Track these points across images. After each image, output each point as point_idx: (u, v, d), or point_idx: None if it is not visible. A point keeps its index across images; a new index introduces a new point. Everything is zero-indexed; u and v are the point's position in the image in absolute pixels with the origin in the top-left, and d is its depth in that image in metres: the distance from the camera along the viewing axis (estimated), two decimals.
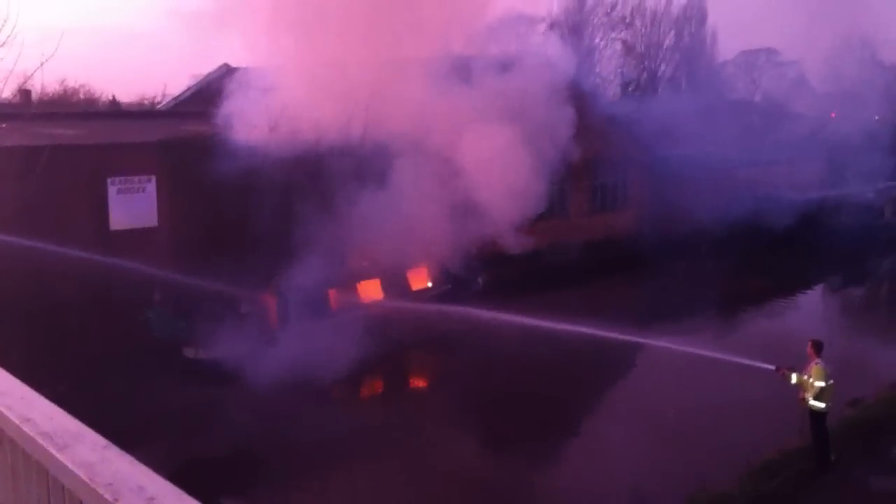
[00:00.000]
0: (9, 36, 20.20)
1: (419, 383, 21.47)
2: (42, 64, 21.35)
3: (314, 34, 19.84)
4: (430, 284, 22.65)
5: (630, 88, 49.56)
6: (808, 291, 30.06)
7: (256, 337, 18.30)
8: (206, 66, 21.67)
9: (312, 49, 19.62)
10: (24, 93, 29.89)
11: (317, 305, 19.65)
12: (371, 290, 21.37)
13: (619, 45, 51.12)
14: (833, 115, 43.26)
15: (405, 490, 14.25)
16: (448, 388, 19.72)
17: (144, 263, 18.29)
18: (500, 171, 19.98)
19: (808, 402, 13.59)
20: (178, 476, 2.25)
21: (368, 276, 21.46)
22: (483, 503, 13.83)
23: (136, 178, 20.91)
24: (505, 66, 21.58)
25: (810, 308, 27.98)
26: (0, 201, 18.20)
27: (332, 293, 20.45)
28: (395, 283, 21.75)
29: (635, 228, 32.13)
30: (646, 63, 52.27)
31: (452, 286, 22.20)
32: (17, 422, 2.73)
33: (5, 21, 20.22)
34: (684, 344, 17.97)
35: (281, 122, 19.49)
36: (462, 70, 20.76)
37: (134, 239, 20.27)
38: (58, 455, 2.44)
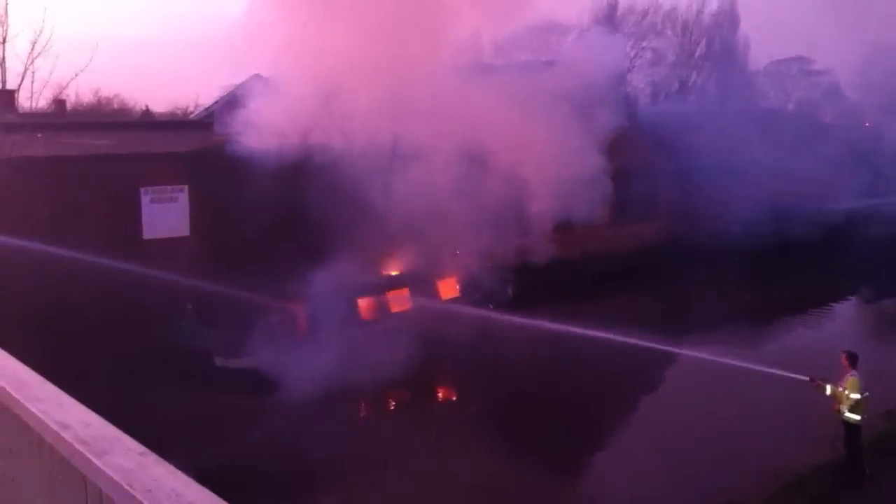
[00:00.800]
0: (44, 46, 20.55)
1: (450, 393, 21.40)
2: (77, 74, 21.70)
3: (338, 39, 19.94)
4: (459, 294, 22.63)
5: (661, 97, 49.29)
6: (841, 302, 29.68)
7: (286, 346, 18.39)
8: (237, 77, 21.78)
9: (337, 55, 19.71)
10: (59, 103, 30.31)
11: (346, 314, 19.71)
12: (401, 299, 21.40)
13: (649, 54, 50.88)
14: (867, 125, 42.79)
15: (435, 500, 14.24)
16: (478, 396, 19.68)
17: (176, 272, 18.44)
18: (539, 172, 19.92)
19: (842, 414, 13.41)
20: (208, 484, 2.26)
21: (398, 286, 21.49)
22: None
23: (168, 188, 21.15)
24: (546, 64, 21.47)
25: (843, 319, 27.62)
26: (35, 210, 18.44)
27: (362, 302, 20.50)
28: (425, 293, 21.75)
29: (663, 239, 31.91)
30: (677, 71, 51.97)
31: (482, 296, 22.17)
32: (55, 428, 2.76)
33: (40, 32, 20.56)
34: (717, 354, 17.79)
35: (308, 129, 19.58)
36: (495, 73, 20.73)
37: (166, 248, 20.47)
38: (96, 461, 2.47)
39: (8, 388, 3.22)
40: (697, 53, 52.80)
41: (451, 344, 19.47)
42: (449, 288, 22.56)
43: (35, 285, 17.53)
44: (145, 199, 20.97)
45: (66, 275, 17.40)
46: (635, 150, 30.27)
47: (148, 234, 20.89)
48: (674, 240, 30.83)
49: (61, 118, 27.92)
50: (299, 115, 19.62)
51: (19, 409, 3.11)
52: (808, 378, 14.06)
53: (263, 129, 19.64)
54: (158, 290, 18.60)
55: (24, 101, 22.28)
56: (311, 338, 18.83)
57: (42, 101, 23.22)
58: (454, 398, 21.07)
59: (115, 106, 41.48)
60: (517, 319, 18.94)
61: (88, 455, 2.52)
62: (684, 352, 18.57)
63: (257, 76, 24.03)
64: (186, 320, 19.78)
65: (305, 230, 18.97)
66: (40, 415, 2.89)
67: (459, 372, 21.31)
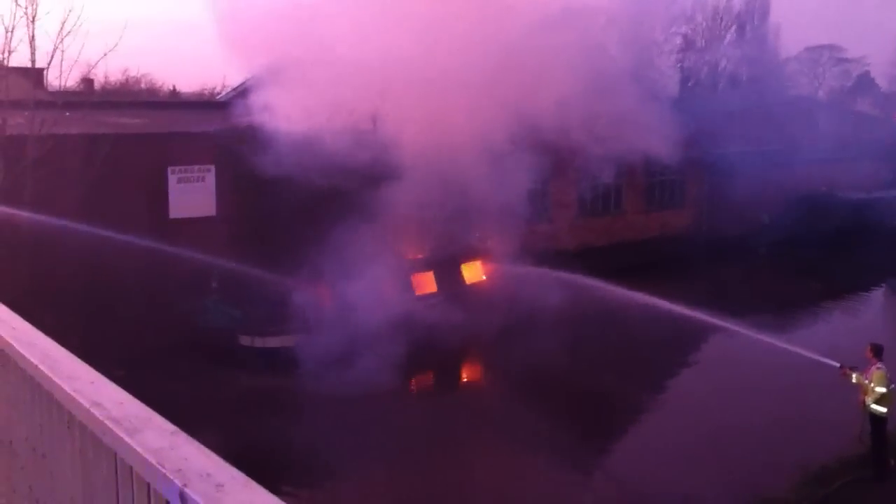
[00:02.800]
0: (74, 26, 20.68)
1: (472, 378, 21.40)
2: (105, 54, 21.81)
3: (364, 23, 19.90)
4: (484, 278, 22.58)
5: (690, 84, 48.87)
6: (870, 292, 29.38)
7: (312, 326, 18.46)
8: (263, 57, 21.78)
9: (362, 38, 19.66)
10: (88, 82, 30.52)
11: (371, 296, 19.74)
12: (425, 283, 21.40)
13: (679, 40, 50.42)
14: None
15: (451, 483, 14.28)
16: (499, 382, 19.69)
17: (202, 252, 18.54)
18: None
19: (868, 406, 13.32)
20: (234, 464, 2.26)
21: (423, 269, 21.49)
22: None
23: (195, 168, 21.24)
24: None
25: (872, 309, 27.36)
26: (62, 188, 18.58)
27: (388, 283, 20.50)
28: (450, 276, 21.74)
29: (692, 226, 31.73)
30: (706, 58, 51.48)
31: (507, 281, 22.12)
32: (87, 406, 2.77)
33: (70, 11, 20.68)
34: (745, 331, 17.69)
35: (335, 111, 19.56)
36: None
37: (192, 228, 20.57)
38: (127, 439, 2.47)
39: (41, 367, 3.24)
40: (727, 40, 52.28)
41: (479, 327, 19.49)
42: (474, 272, 22.52)
43: (61, 264, 17.68)
44: (172, 179, 21.08)
45: (92, 253, 17.53)
46: (661, 138, 30.02)
47: (174, 213, 21.01)
48: (703, 228, 30.64)
49: (90, 97, 28.10)
50: (325, 96, 19.59)
51: (51, 386, 3.13)
52: (837, 364, 13.96)
53: (290, 110, 19.64)
54: (184, 269, 18.72)
55: (52, 80, 22.45)
56: (336, 318, 18.87)
57: (71, 81, 23.41)
58: (477, 381, 21.08)
59: (144, 86, 41.72)
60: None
61: (120, 433, 2.53)
62: (716, 321, 18.24)
63: (285, 58, 24.02)
64: (212, 300, 19.90)
65: (332, 211, 18.97)
66: (73, 393, 2.91)
67: (477, 358, 21.34)
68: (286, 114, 19.61)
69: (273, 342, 18.83)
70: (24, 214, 17.40)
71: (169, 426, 2.58)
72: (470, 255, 22.34)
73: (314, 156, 18.33)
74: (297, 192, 18.68)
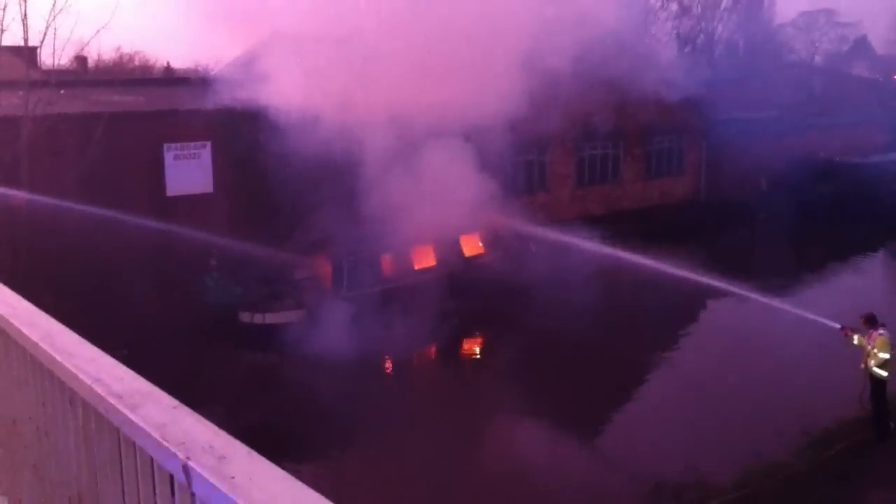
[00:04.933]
0: (65, 4, 20.50)
1: (475, 352, 21.42)
2: (98, 31, 21.68)
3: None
4: (482, 250, 22.59)
5: (686, 50, 48.62)
6: (868, 256, 29.40)
7: (311, 303, 18.49)
8: (257, 33, 21.62)
9: (352, 8, 19.54)
10: (81, 60, 30.34)
11: (370, 272, 19.76)
12: (424, 257, 21.40)
13: (674, 6, 50.10)
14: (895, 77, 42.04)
15: (455, 458, 14.36)
16: (503, 356, 19.72)
17: (200, 229, 18.53)
18: None
19: (870, 369, 13.42)
20: (236, 437, 2.27)
21: (421, 243, 21.46)
22: (522, 476, 13.78)
23: (191, 145, 21.15)
24: None
25: (871, 272, 27.40)
26: (59, 168, 18.54)
27: (386, 259, 20.53)
28: (448, 250, 21.72)
29: (691, 194, 31.71)
30: (702, 25, 51.19)
31: (505, 253, 22.13)
32: (88, 382, 2.77)
33: None
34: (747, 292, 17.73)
35: (331, 88, 19.45)
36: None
37: (190, 205, 20.53)
38: (129, 415, 2.47)
39: (41, 344, 3.24)
40: (723, 5, 51.95)
41: (477, 300, 19.51)
42: (472, 244, 22.52)
43: (60, 243, 17.66)
44: (168, 156, 21.00)
45: (92, 233, 17.52)
46: (658, 107, 29.97)
47: (171, 191, 20.96)
48: (702, 195, 30.62)
49: (84, 76, 27.94)
50: (323, 74, 19.48)
51: (52, 364, 3.12)
52: (839, 326, 14.06)
53: (286, 87, 19.53)
54: (183, 247, 18.72)
55: (46, 59, 22.32)
56: (335, 294, 18.92)
57: (64, 59, 23.25)
58: (478, 355, 21.13)
59: (137, 63, 41.44)
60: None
61: (122, 409, 2.53)
62: (717, 283, 18.24)
63: (275, 33, 23.87)
64: (211, 277, 19.91)
65: (330, 187, 18.95)
66: (74, 370, 2.91)
67: (485, 330, 21.37)
68: (280, 89, 19.51)
69: (273, 318, 18.86)
70: (21, 195, 17.37)
71: (171, 400, 2.58)
72: (468, 228, 22.30)
73: (310, 131, 18.29)
74: (296, 168, 18.63)
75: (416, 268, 21.06)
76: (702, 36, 50.91)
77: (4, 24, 20.51)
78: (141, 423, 2.40)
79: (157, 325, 17.54)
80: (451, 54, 19.40)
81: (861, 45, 55.56)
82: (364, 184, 19.01)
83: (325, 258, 19.84)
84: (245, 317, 19.18)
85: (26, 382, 3.67)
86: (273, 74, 19.70)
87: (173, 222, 18.31)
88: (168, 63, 37.43)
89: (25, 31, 20.66)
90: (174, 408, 2.52)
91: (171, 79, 22.43)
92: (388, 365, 18.31)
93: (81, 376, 2.81)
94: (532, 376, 17.45)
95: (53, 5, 20.38)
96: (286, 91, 19.37)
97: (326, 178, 19.05)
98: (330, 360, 16.22)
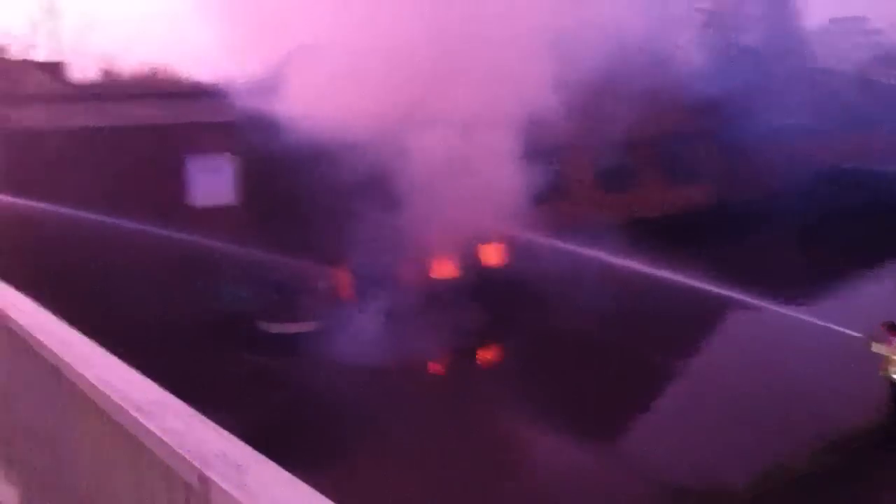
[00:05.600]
0: (94, 18, 20.80)
1: (495, 362, 21.34)
2: (124, 45, 21.94)
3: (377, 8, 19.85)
4: (503, 260, 22.51)
5: (711, 56, 48.28)
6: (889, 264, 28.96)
7: (332, 311, 18.54)
8: (281, 45, 21.76)
9: (379, 24, 19.61)
10: (107, 73, 30.63)
11: (390, 280, 19.77)
12: (444, 266, 21.38)
13: (699, 12, 49.80)
14: None
15: (475, 464, 14.34)
16: (523, 366, 19.66)
17: (222, 239, 18.66)
18: None
19: (889, 374, 13.44)
20: (252, 446, 2.29)
21: (441, 252, 21.45)
22: (521, 474, 13.76)
23: (215, 157, 21.36)
24: None
25: (890, 281, 27.01)
26: (86, 179, 18.74)
27: (405, 268, 20.52)
28: (469, 259, 21.68)
29: (713, 200, 31.48)
30: (728, 30, 50.86)
31: (526, 262, 22.02)
32: (105, 391, 2.82)
33: (90, 4, 20.78)
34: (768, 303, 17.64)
35: (352, 97, 19.52)
36: None
37: (213, 215, 20.69)
38: (146, 423, 2.52)
39: (61, 355, 3.30)
40: (750, 11, 51.60)
41: (497, 309, 19.45)
42: (493, 254, 22.46)
43: (85, 253, 17.85)
44: (193, 168, 21.22)
45: (115, 242, 17.69)
46: (679, 113, 29.85)
47: (195, 202, 21.15)
48: (724, 202, 30.39)
49: (110, 89, 28.20)
50: (343, 86, 19.56)
51: (72, 374, 3.18)
52: (861, 335, 14.06)
53: (306, 99, 19.63)
54: (205, 256, 18.85)
55: (73, 72, 22.61)
56: (354, 302, 18.96)
57: (91, 73, 23.54)
58: (498, 365, 21.05)
59: (163, 76, 41.69)
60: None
61: (140, 418, 2.57)
62: (736, 294, 18.15)
63: (302, 46, 24.01)
64: (231, 285, 20.03)
65: (350, 196, 19.00)
66: (93, 379, 2.96)
67: (505, 340, 21.30)
68: (301, 99, 19.61)
69: (292, 328, 18.95)
70: (47, 207, 17.57)
71: (187, 409, 2.62)
72: (489, 237, 22.25)
73: (330, 142, 18.36)
74: (317, 178, 18.72)
75: (436, 277, 21.05)
76: (727, 42, 50.61)
77: (36, 39, 20.83)
78: (157, 432, 2.44)
79: (179, 333, 17.65)
80: (473, 59, 19.45)
81: (892, 52, 55.00)
82: (384, 192, 19.05)
83: (345, 267, 19.91)
84: (264, 325, 19.28)
85: (45, 391, 3.73)
86: (294, 85, 19.83)
87: (197, 232, 18.46)
88: (193, 76, 37.69)
89: (55, 46, 20.98)
90: (190, 416, 2.57)
91: (196, 91, 22.54)
92: (407, 374, 18.30)
93: (98, 385, 2.86)
94: (553, 386, 17.39)
95: (82, 20, 20.67)
96: (307, 101, 19.48)
97: (347, 188, 19.11)
98: (348, 369, 16.25)
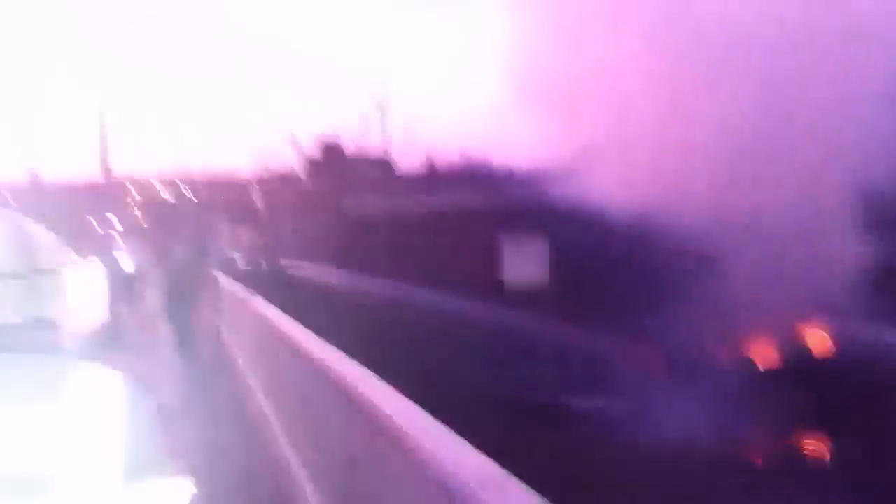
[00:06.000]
0: (420, 114, 22.52)
1: (819, 456, 19.65)
2: (446, 138, 23.51)
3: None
4: (831, 346, 20.80)
5: None
6: None
7: (637, 391, 18.15)
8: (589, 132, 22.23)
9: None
10: (429, 164, 32.92)
11: (703, 361, 19.02)
12: (761, 350, 20.20)
13: None
14: None
15: None
16: (853, 464, 17.92)
17: (531, 315, 19.04)
18: None
19: None
20: None
21: (755, 332, 20.31)
22: None
23: (528, 238, 22.05)
24: None
25: None
26: (408, 260, 20.09)
27: (721, 348, 19.67)
28: (789, 343, 20.31)
29: None
30: None
31: (859, 350, 20.14)
32: (446, 465, 2.92)
33: (417, 101, 22.54)
34: None
35: (660, 181, 19.30)
36: None
37: (525, 293, 21.22)
38: (485, 496, 2.57)
39: (401, 423, 3.48)
40: None
41: (822, 399, 17.96)
42: (818, 338, 20.84)
43: (409, 326, 18.95)
44: (506, 249, 22.05)
45: (434, 317, 18.64)
46: None
47: (508, 280, 21.89)
48: None
49: (432, 177, 30.20)
50: (650, 169, 19.42)
51: (410, 442, 3.34)
52: None
53: (616, 180, 19.70)
54: (516, 332, 19.30)
55: (400, 163, 24.55)
56: (664, 383, 18.40)
57: (416, 163, 25.42)
58: (823, 462, 19.34)
59: (479, 164, 44.10)
60: None
61: (479, 491, 2.63)
62: None
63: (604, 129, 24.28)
64: (538, 361, 20.27)
65: (662, 274, 18.66)
66: (431, 449, 3.08)
67: (834, 435, 19.57)
68: (612, 186, 19.69)
69: (597, 404, 18.75)
70: (379, 283, 18.95)
71: (524, 489, 2.64)
72: (816, 319, 20.63)
73: (638, 224, 18.21)
74: (626, 259, 18.64)
75: (752, 360, 19.94)
76: None
77: (367, 134, 22.94)
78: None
79: (479, 403, 18.04)
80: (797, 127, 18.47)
81: None
82: (694, 271, 18.49)
83: (652, 347, 19.47)
84: (568, 400, 19.24)
85: (393, 466, 3.94)
86: (604, 170, 20.00)
87: (509, 310, 19.00)
88: (506, 163, 39.45)
89: (384, 141, 22.95)
90: (529, 496, 2.58)
91: (510, 176, 23.58)
92: (720, 462, 17.32)
93: (439, 457, 2.98)
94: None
95: (409, 116, 22.49)
96: (617, 182, 19.54)
97: (658, 268, 18.82)
98: (656, 451, 15.68)
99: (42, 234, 2.38)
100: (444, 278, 19.67)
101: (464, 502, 2.77)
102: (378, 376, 4.84)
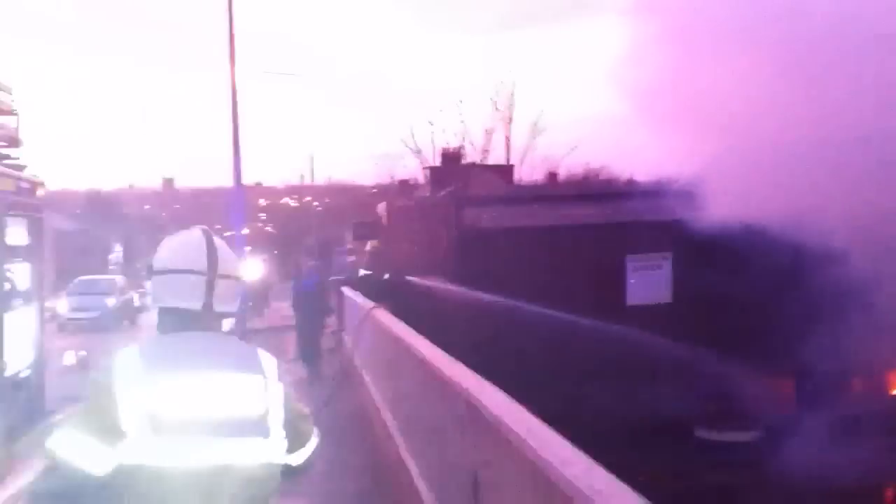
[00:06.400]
0: (544, 125, 22.40)
1: None
2: (571, 150, 23.30)
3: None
4: None
5: None
6: None
7: (770, 422, 17.46)
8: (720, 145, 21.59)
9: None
10: (551, 175, 32.78)
11: (838, 394, 18.15)
12: None
13: None
14: None
15: None
16: None
17: (658, 338, 18.57)
18: None
19: None
20: None
21: None
22: None
23: (653, 256, 21.59)
24: None
25: None
26: (527, 275, 19.94)
27: (859, 380, 18.75)
28: None
29: None
30: None
31: None
32: (584, 490, 2.83)
33: (542, 112, 22.45)
34: None
35: (794, 194, 18.52)
36: None
37: (649, 315, 20.76)
38: None
39: (521, 434, 3.41)
40: None
41: None
42: None
43: (527, 343, 18.82)
44: (630, 267, 21.63)
45: (553, 335, 18.43)
46: None
47: (631, 300, 21.47)
48: None
49: (554, 190, 30.01)
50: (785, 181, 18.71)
51: (552, 472, 3.25)
52: None
53: (743, 199, 19.04)
54: (638, 355, 18.87)
55: (522, 176, 24.45)
56: (799, 416, 17.62)
57: (537, 175, 25.28)
58: None
59: (602, 177, 43.63)
60: None
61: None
62: None
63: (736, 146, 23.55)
64: (665, 389, 19.75)
65: (793, 297, 17.90)
66: (571, 479, 2.99)
67: None
68: (743, 200, 19.05)
69: (729, 436, 18.13)
70: (494, 298, 18.86)
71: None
72: None
73: (772, 243, 17.52)
74: (759, 281, 17.97)
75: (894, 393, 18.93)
76: None
77: (490, 145, 22.97)
78: None
79: (605, 431, 17.69)
80: None
81: None
82: (835, 293, 17.62)
83: (786, 376, 18.70)
84: (701, 431, 18.68)
85: (519, 484, 3.88)
86: (731, 185, 19.36)
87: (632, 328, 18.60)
88: (631, 177, 38.81)
89: (507, 152, 22.94)
90: None
91: (633, 191, 23.16)
92: (862, 499, 16.47)
93: (579, 485, 2.89)
94: None
95: (533, 128, 22.40)
96: (745, 202, 18.87)
97: (793, 289, 18.05)
98: (791, 486, 15.01)
99: (223, 246, 3.12)
100: (564, 295, 19.43)
101: None
102: (500, 389, 4.79)
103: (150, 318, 7.49)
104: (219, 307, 3.00)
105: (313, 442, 3.17)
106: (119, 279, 39.91)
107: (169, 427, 2.68)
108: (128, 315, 36.17)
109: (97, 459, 2.66)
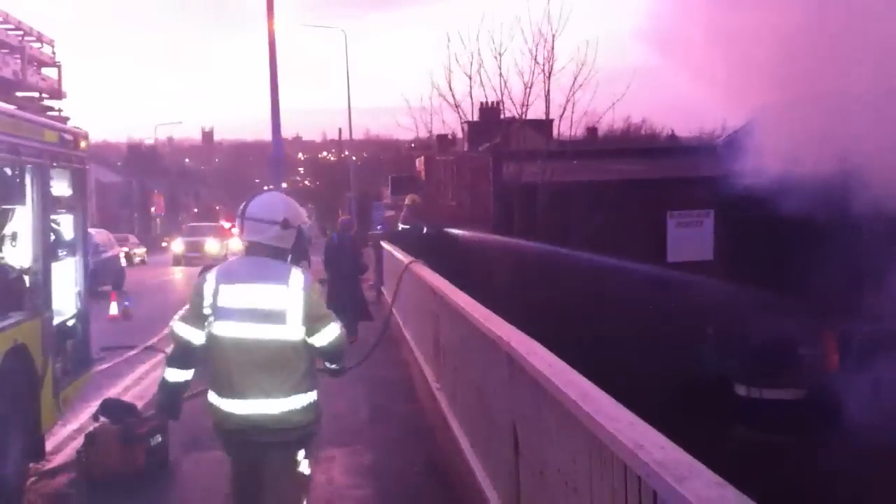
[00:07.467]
0: (585, 79, 22.06)
1: None
2: (612, 105, 22.94)
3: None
4: None
5: None
6: None
7: (815, 381, 17.24)
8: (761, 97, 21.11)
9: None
10: (592, 131, 32.29)
11: (887, 351, 17.83)
12: None
13: None
14: None
15: None
16: None
17: (698, 298, 18.37)
18: None
19: None
20: None
21: None
22: None
23: (694, 213, 21.30)
24: None
25: None
26: (569, 230, 19.79)
27: None
28: None
29: None
30: None
31: None
32: (630, 447, 2.78)
33: (582, 65, 22.10)
34: None
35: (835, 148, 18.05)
36: None
37: (689, 272, 20.54)
38: (675, 486, 2.42)
39: (580, 403, 3.36)
40: None
41: None
42: None
43: (566, 295, 18.71)
44: (671, 224, 21.39)
45: (593, 292, 18.30)
46: None
47: (672, 257, 21.24)
48: None
49: (594, 145, 29.67)
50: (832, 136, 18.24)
51: (590, 423, 3.21)
52: None
53: (790, 151, 18.64)
54: (679, 314, 18.68)
55: (563, 131, 24.15)
56: (845, 374, 17.35)
57: (578, 130, 24.95)
58: None
59: (644, 132, 43.15)
60: None
61: (666, 478, 2.48)
62: None
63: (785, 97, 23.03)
64: (707, 346, 19.58)
65: (843, 256, 17.54)
66: (614, 432, 2.95)
67: None
68: (786, 155, 18.65)
69: (771, 394, 17.93)
70: (538, 245, 18.73)
71: (715, 477, 2.48)
72: None
73: (816, 195, 17.12)
74: (804, 237, 17.63)
75: None
76: None
77: (530, 100, 22.66)
78: (689, 497, 2.32)
79: (648, 391, 17.56)
80: None
81: None
82: (882, 252, 17.24)
83: (833, 333, 18.40)
84: (741, 390, 18.49)
85: (560, 437, 3.84)
86: (776, 140, 18.95)
87: (672, 289, 18.42)
88: (672, 131, 38.30)
89: (547, 106, 22.62)
90: (720, 485, 2.42)
91: (675, 147, 22.91)
92: None
93: (622, 439, 2.84)
94: None
95: (573, 81, 22.05)
96: (790, 156, 18.47)
97: (838, 246, 17.69)
98: (837, 446, 14.80)
99: (291, 203, 4.73)
100: (603, 251, 19.24)
101: (647, 481, 2.65)
102: (539, 343, 4.75)
103: None
104: (283, 245, 4.52)
105: (332, 330, 4.47)
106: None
107: (226, 314, 4.37)
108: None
109: (195, 334, 4.50)
